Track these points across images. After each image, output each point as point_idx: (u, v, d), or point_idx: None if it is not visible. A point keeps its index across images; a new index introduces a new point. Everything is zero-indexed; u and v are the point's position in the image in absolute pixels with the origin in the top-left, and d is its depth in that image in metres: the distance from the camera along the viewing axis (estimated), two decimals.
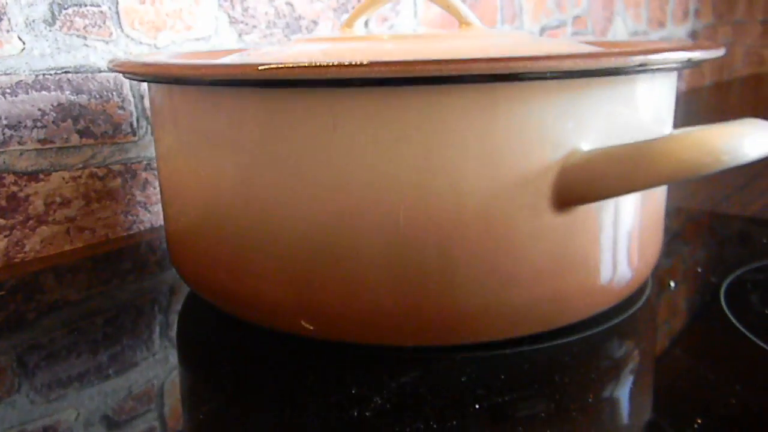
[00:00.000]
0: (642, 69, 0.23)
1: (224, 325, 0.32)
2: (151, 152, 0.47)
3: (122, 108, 0.45)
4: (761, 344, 0.28)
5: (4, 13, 0.39)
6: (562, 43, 0.31)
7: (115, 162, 0.45)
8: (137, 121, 0.46)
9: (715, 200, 0.51)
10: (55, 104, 0.42)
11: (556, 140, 0.24)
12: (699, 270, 0.38)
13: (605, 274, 0.28)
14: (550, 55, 0.21)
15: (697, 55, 0.25)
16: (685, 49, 0.24)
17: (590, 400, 0.25)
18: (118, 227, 0.46)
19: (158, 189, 0.47)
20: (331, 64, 0.21)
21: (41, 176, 0.42)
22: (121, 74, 0.32)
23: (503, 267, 0.25)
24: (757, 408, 0.24)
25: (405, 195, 0.24)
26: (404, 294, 0.25)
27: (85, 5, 0.42)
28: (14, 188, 0.41)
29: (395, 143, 0.23)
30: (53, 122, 0.42)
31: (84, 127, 0.43)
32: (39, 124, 0.41)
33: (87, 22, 0.42)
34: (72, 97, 0.42)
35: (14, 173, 0.41)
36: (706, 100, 1.19)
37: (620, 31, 1.02)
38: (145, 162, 0.47)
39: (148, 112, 0.47)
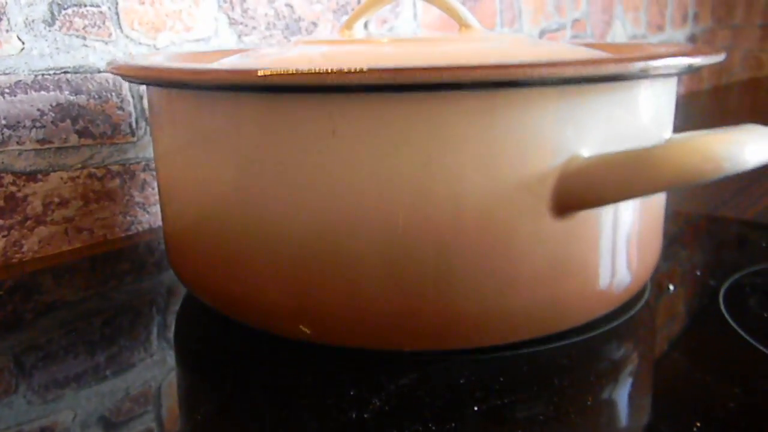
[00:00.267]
0: (643, 75, 0.23)
1: (222, 327, 0.32)
2: (150, 153, 0.47)
3: (121, 108, 0.45)
4: (760, 347, 0.28)
5: (4, 13, 0.39)
6: (563, 47, 0.31)
7: (113, 162, 0.45)
8: (136, 121, 0.46)
9: (714, 204, 0.51)
10: (54, 104, 0.42)
11: (556, 146, 0.24)
12: (698, 273, 0.38)
13: (604, 279, 0.28)
14: (551, 62, 0.21)
15: (698, 60, 0.25)
16: (686, 55, 0.24)
17: (589, 402, 0.25)
18: (116, 228, 0.46)
19: (157, 190, 0.47)
20: (330, 70, 0.21)
21: (40, 176, 0.42)
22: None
23: (502, 272, 0.25)
24: (756, 411, 0.24)
25: (404, 200, 0.24)
26: (403, 299, 0.25)
27: (85, 5, 0.42)
28: (12, 188, 0.41)
29: (394, 149, 0.23)
30: (52, 122, 0.42)
31: (83, 128, 0.43)
32: (38, 124, 0.41)
33: (86, 22, 0.42)
34: (71, 98, 0.42)
35: (12, 173, 0.40)
36: (705, 104, 1.19)
37: (619, 34, 1.02)
38: (143, 163, 0.47)
39: (147, 113, 0.46)
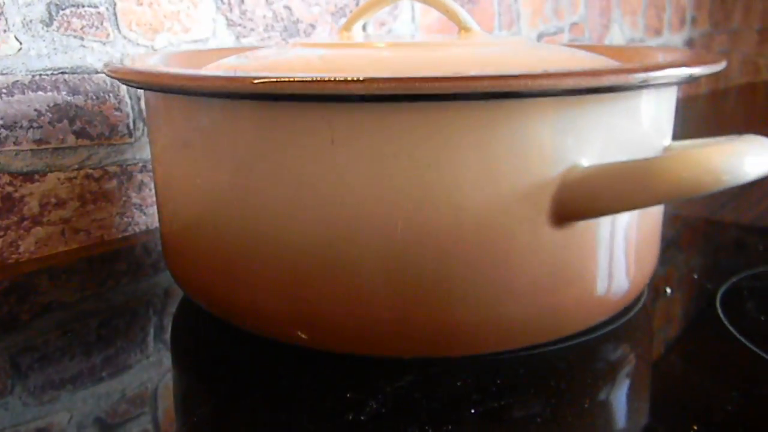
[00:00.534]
0: (643, 85, 0.23)
1: (218, 329, 0.32)
2: (147, 154, 0.47)
3: (119, 109, 0.45)
4: (757, 351, 0.28)
5: (2, 13, 0.39)
6: (562, 52, 0.31)
7: (110, 163, 0.45)
8: (133, 122, 0.46)
9: (712, 208, 0.51)
10: (52, 105, 0.41)
11: (556, 156, 0.24)
12: (695, 277, 0.38)
13: (602, 286, 0.28)
14: (550, 73, 0.21)
15: (698, 70, 0.25)
16: (686, 65, 0.24)
17: (586, 405, 0.25)
18: (113, 229, 0.46)
19: (153, 191, 0.47)
20: (328, 79, 0.21)
21: (36, 177, 0.41)
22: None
23: (500, 281, 0.25)
24: (753, 415, 0.24)
25: (403, 209, 0.24)
26: (401, 307, 0.25)
27: (83, 6, 0.42)
28: (9, 189, 0.40)
29: (393, 158, 0.23)
30: (49, 123, 0.41)
31: (80, 128, 0.43)
32: (35, 124, 0.41)
33: (84, 22, 0.42)
34: (68, 98, 0.42)
35: (9, 173, 0.40)
36: (703, 109, 1.19)
37: (617, 38, 1.02)
38: (141, 164, 0.46)
39: (145, 114, 0.46)
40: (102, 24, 0.43)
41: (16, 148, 0.40)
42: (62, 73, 0.42)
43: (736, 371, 0.27)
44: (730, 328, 0.30)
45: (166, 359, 0.30)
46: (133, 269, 0.41)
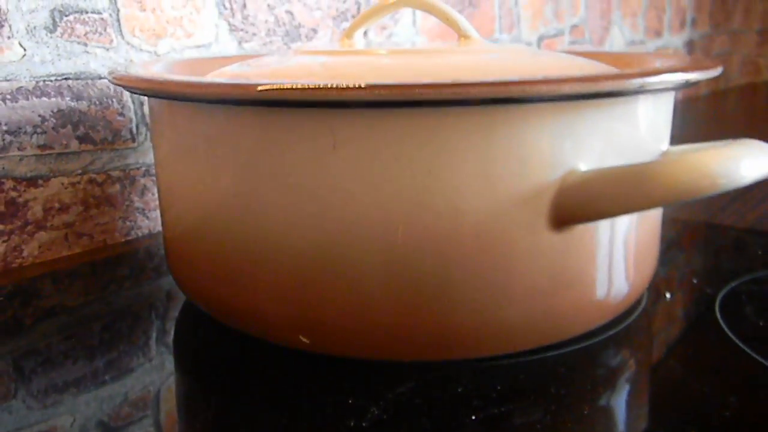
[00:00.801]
0: (640, 91, 0.24)
1: (221, 333, 0.32)
2: (150, 159, 0.47)
3: (122, 114, 0.45)
4: (755, 356, 0.28)
5: (6, 20, 0.39)
6: (561, 59, 0.31)
7: (113, 168, 0.45)
8: (136, 127, 0.46)
9: (711, 211, 0.51)
10: (55, 110, 0.42)
11: (554, 160, 0.24)
12: (694, 281, 0.38)
13: (602, 290, 0.28)
14: (548, 79, 0.22)
15: (695, 76, 0.25)
16: (683, 71, 0.25)
17: (586, 411, 0.25)
18: (116, 233, 0.46)
19: (156, 195, 0.48)
20: (330, 86, 0.22)
21: (40, 182, 0.42)
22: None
23: (500, 284, 0.25)
24: (751, 420, 0.24)
25: (403, 213, 0.24)
26: (402, 311, 0.25)
27: (86, 12, 0.42)
28: (13, 194, 0.41)
29: (394, 162, 0.24)
30: (53, 128, 0.42)
31: (83, 133, 0.43)
32: (39, 130, 0.41)
33: (88, 29, 0.42)
34: (72, 104, 0.42)
35: (13, 179, 0.41)
36: (703, 110, 1.20)
37: (617, 40, 1.03)
38: (143, 168, 0.47)
39: (148, 119, 0.47)
40: (105, 30, 0.43)
41: (20, 153, 0.41)
42: (66, 78, 0.42)
43: (735, 376, 0.28)
44: (729, 333, 0.30)
45: (169, 362, 0.31)
46: (135, 273, 0.42)
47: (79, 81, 0.42)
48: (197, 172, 0.28)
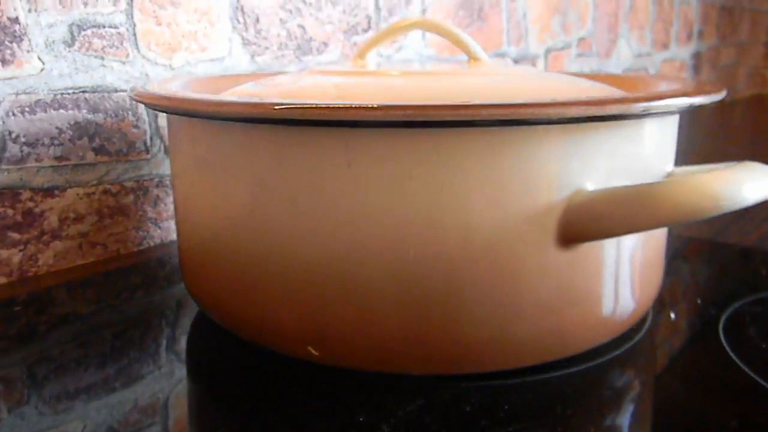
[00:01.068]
0: (645, 114, 0.24)
1: (232, 342, 0.32)
2: (163, 170, 0.48)
3: (136, 126, 0.46)
4: (757, 379, 0.29)
5: (25, 34, 0.40)
6: (567, 82, 0.32)
7: (128, 179, 0.46)
8: (151, 139, 0.47)
9: (716, 228, 0.51)
10: (72, 123, 0.43)
11: (562, 180, 0.25)
12: (699, 301, 0.38)
13: (608, 307, 0.29)
14: (557, 102, 0.22)
15: (699, 100, 0.26)
16: (687, 95, 0.25)
17: (591, 431, 0.26)
18: (129, 242, 0.47)
19: (169, 205, 0.48)
20: (346, 106, 0.22)
21: (56, 192, 0.43)
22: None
23: (508, 301, 0.26)
24: None
25: (415, 230, 0.25)
26: (412, 325, 0.26)
27: (104, 27, 0.43)
28: (30, 204, 0.42)
29: (407, 181, 0.24)
30: (70, 140, 0.43)
31: (99, 145, 0.44)
32: (56, 141, 0.42)
33: (105, 43, 0.43)
34: (88, 116, 0.43)
35: (30, 189, 0.42)
36: (709, 121, 1.20)
37: (624, 53, 1.03)
38: (157, 179, 0.48)
39: (162, 131, 0.48)
40: (122, 44, 0.44)
41: (37, 164, 0.42)
42: (83, 92, 0.43)
43: (736, 399, 0.28)
44: (732, 355, 0.31)
45: (178, 370, 0.31)
46: (147, 282, 0.42)
47: (95, 94, 0.43)
48: (213, 187, 0.29)
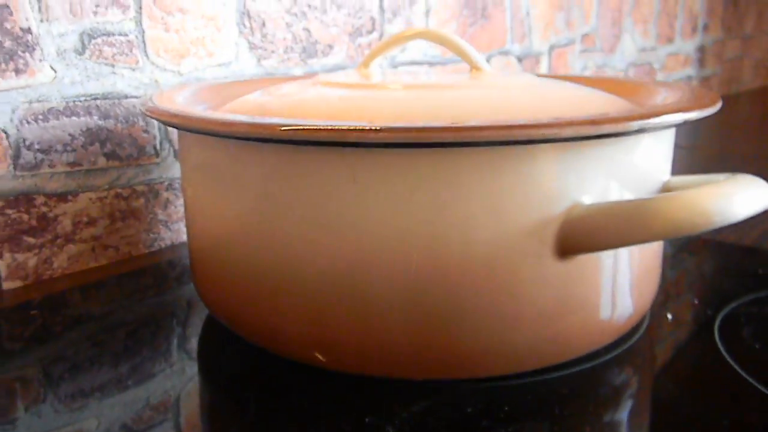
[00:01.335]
0: (639, 131, 0.25)
1: (242, 343, 0.33)
2: (173, 173, 0.49)
3: (146, 131, 0.47)
4: (749, 379, 0.30)
5: (37, 44, 0.41)
6: (569, 92, 0.33)
7: (138, 183, 0.47)
8: (160, 143, 0.48)
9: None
10: (84, 129, 0.44)
11: (559, 195, 0.26)
12: (695, 302, 0.39)
13: (605, 313, 0.30)
14: (552, 123, 0.23)
15: (694, 115, 0.27)
16: (682, 111, 0.26)
17: (587, 430, 0.27)
18: (140, 245, 0.48)
19: (179, 208, 0.50)
20: (350, 128, 0.23)
21: (69, 197, 0.44)
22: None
23: (508, 310, 0.27)
24: None
25: (418, 244, 0.26)
26: (415, 334, 0.27)
27: (114, 35, 0.44)
28: (44, 209, 0.43)
29: (410, 196, 0.25)
30: (82, 146, 0.44)
31: (110, 151, 0.45)
32: (69, 148, 0.43)
33: (115, 50, 0.44)
34: (100, 122, 0.44)
35: (44, 195, 0.43)
36: (715, 113, 1.20)
37: (628, 48, 1.04)
38: (167, 182, 0.49)
39: (171, 135, 0.49)
40: (132, 51, 0.45)
41: (51, 170, 0.43)
42: (94, 99, 0.44)
43: (729, 399, 0.29)
44: (726, 356, 0.32)
45: (189, 368, 0.32)
46: (158, 283, 0.44)
47: (106, 101, 0.44)
48: (221, 197, 0.30)
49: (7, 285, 0.42)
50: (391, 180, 0.25)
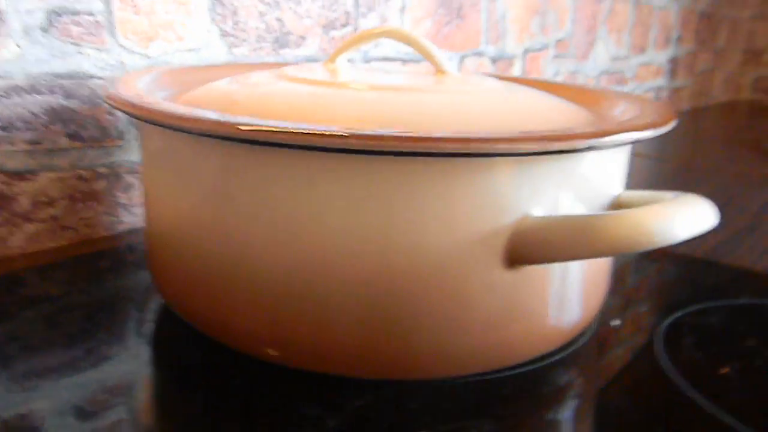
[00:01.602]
0: (591, 148, 0.26)
1: (196, 332, 0.33)
2: (136, 157, 0.49)
3: (111, 114, 0.47)
4: (685, 390, 0.31)
5: (3, 20, 0.40)
6: (530, 99, 0.34)
7: (100, 165, 0.47)
8: (125, 127, 0.48)
9: None
10: (47, 108, 0.43)
11: (510, 206, 0.27)
12: (643, 310, 0.40)
13: (551, 321, 0.30)
14: (506, 138, 0.24)
15: (646, 134, 0.27)
16: (633, 130, 0.27)
17: (526, 430, 0.28)
18: (100, 227, 0.48)
19: (140, 192, 0.49)
20: (309, 132, 0.23)
21: (29, 176, 0.43)
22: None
23: (455, 316, 0.27)
24: None
25: (370, 247, 0.26)
26: (365, 334, 0.27)
27: (81, 14, 0.44)
28: (2, 186, 0.42)
29: (363, 201, 0.26)
30: (44, 125, 0.43)
31: (73, 131, 0.45)
32: (30, 126, 0.43)
33: (82, 30, 0.44)
34: (63, 102, 0.44)
35: (3, 172, 0.42)
36: (683, 125, 1.22)
37: (601, 55, 1.05)
38: (129, 166, 0.48)
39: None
40: (99, 32, 0.45)
41: (11, 148, 0.42)
42: (59, 78, 0.43)
43: (665, 408, 0.30)
44: (665, 365, 0.33)
45: (144, 352, 0.32)
46: (117, 266, 0.43)
47: (71, 80, 0.44)
48: (178, 190, 0.30)
49: None
50: (347, 185, 0.26)
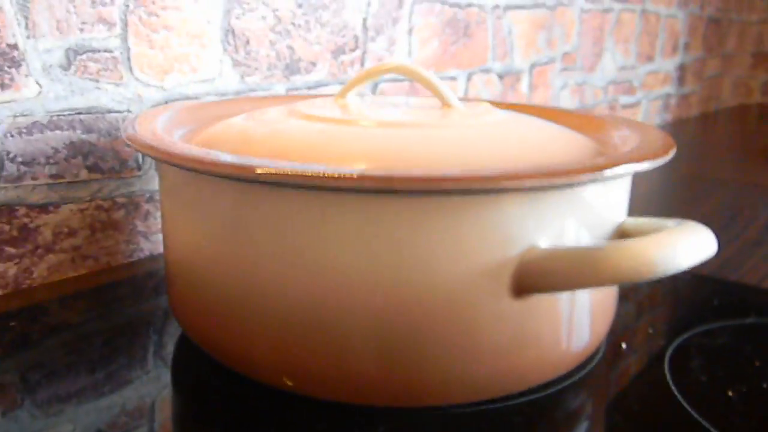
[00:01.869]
0: (592, 181, 0.27)
1: (214, 361, 0.34)
2: (153, 185, 0.50)
3: (129, 145, 0.48)
4: (692, 412, 0.31)
5: (23, 59, 0.42)
6: (534, 131, 0.35)
7: (119, 195, 0.48)
8: (142, 157, 0.49)
9: None
10: (67, 142, 0.45)
11: (516, 238, 0.28)
12: (650, 331, 0.41)
13: (560, 347, 0.31)
14: (509, 174, 0.25)
15: (645, 166, 0.28)
16: (633, 161, 0.28)
17: None
18: (119, 255, 0.49)
19: (159, 219, 0.51)
20: (323, 174, 0.25)
21: (51, 208, 0.45)
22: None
23: (466, 345, 0.28)
24: None
25: (382, 282, 0.27)
26: (378, 364, 0.29)
27: (99, 51, 0.45)
28: (25, 220, 0.44)
29: (375, 237, 0.27)
30: (65, 159, 0.45)
31: (93, 163, 0.46)
32: (51, 160, 0.44)
33: (100, 66, 0.45)
34: (83, 136, 0.45)
35: (26, 206, 0.44)
36: (693, 131, 1.23)
37: (608, 66, 1.06)
38: (147, 195, 0.50)
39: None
40: (116, 67, 0.46)
41: (33, 182, 0.44)
42: (78, 113, 0.45)
43: (671, 431, 0.31)
44: (673, 388, 0.34)
45: (164, 376, 0.33)
46: (136, 293, 0.45)
47: (90, 115, 0.45)
48: (195, 223, 0.31)
49: None
50: (359, 221, 0.27)
